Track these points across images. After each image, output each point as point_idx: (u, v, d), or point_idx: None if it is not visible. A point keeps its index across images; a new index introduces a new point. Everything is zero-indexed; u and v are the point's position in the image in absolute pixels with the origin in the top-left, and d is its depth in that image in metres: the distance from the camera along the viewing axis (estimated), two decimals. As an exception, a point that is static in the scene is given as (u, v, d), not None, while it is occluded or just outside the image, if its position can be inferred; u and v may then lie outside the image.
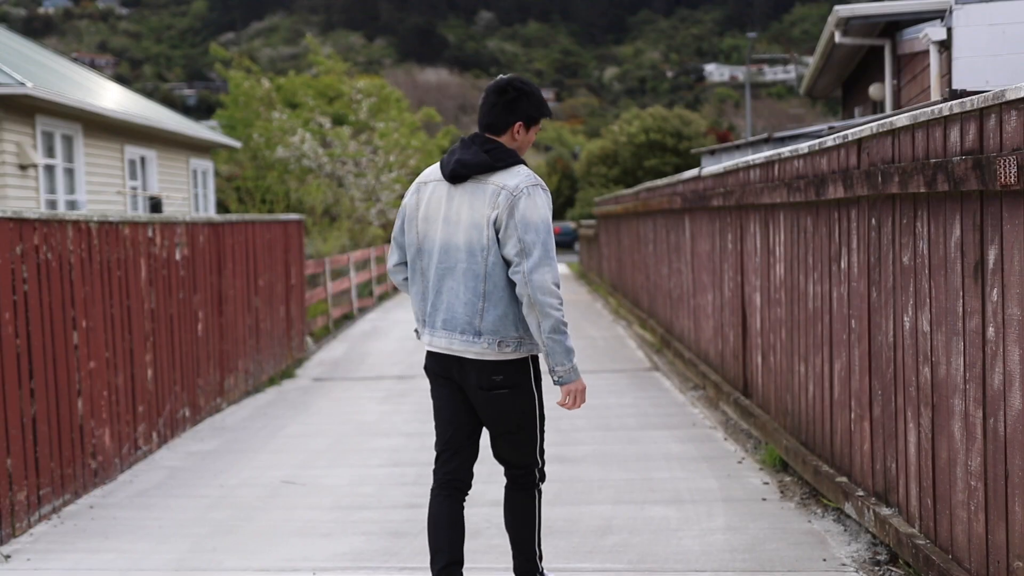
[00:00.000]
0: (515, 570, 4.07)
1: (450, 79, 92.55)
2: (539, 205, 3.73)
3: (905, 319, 4.24)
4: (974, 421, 3.65)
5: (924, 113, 3.90)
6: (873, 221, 4.59)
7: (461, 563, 3.92)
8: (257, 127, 25.71)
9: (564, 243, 41.85)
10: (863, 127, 4.61)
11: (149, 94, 57.89)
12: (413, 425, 7.90)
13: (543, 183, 3.83)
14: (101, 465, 6.34)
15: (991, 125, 3.41)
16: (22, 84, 12.89)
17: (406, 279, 4.03)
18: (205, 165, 21.81)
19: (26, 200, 13.68)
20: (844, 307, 5.02)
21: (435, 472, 4.05)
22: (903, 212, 4.24)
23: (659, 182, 11.93)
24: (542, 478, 4.07)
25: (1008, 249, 3.36)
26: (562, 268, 29.54)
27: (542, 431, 4.01)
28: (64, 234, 6.00)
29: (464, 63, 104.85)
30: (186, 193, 20.25)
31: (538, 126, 3.93)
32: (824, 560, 4.50)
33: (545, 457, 4.07)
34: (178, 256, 7.89)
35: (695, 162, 31.36)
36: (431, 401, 4.09)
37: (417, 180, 4.01)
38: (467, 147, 3.83)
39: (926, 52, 10.68)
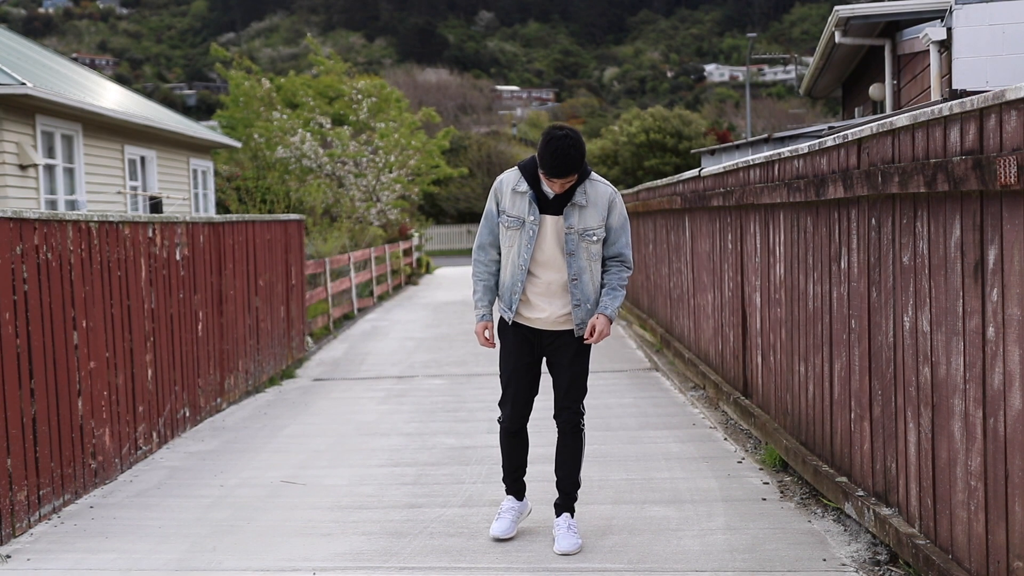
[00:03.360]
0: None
1: (450, 79, 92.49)
2: None
3: (905, 319, 4.24)
4: (974, 421, 3.65)
5: (924, 113, 3.90)
6: (873, 221, 4.59)
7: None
8: (257, 127, 25.72)
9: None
10: (863, 127, 4.61)
11: (149, 94, 57.93)
12: (413, 425, 7.90)
13: (500, 178, 4.81)
14: (101, 465, 6.34)
15: (991, 125, 3.41)
16: (22, 84, 12.89)
17: None
18: (205, 165, 21.82)
19: (26, 200, 13.69)
20: (844, 307, 5.02)
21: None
22: (903, 212, 4.24)
23: (659, 182, 11.94)
24: (500, 418, 4.98)
25: (1008, 249, 3.36)
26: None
27: (500, 372, 4.96)
28: (64, 234, 6.00)
29: (464, 63, 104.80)
30: (186, 193, 20.26)
31: (540, 168, 4.62)
32: (824, 560, 4.50)
33: (501, 406, 4.95)
34: (178, 256, 7.89)
35: (695, 162, 31.36)
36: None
37: None
38: None
39: (926, 52, 10.69)
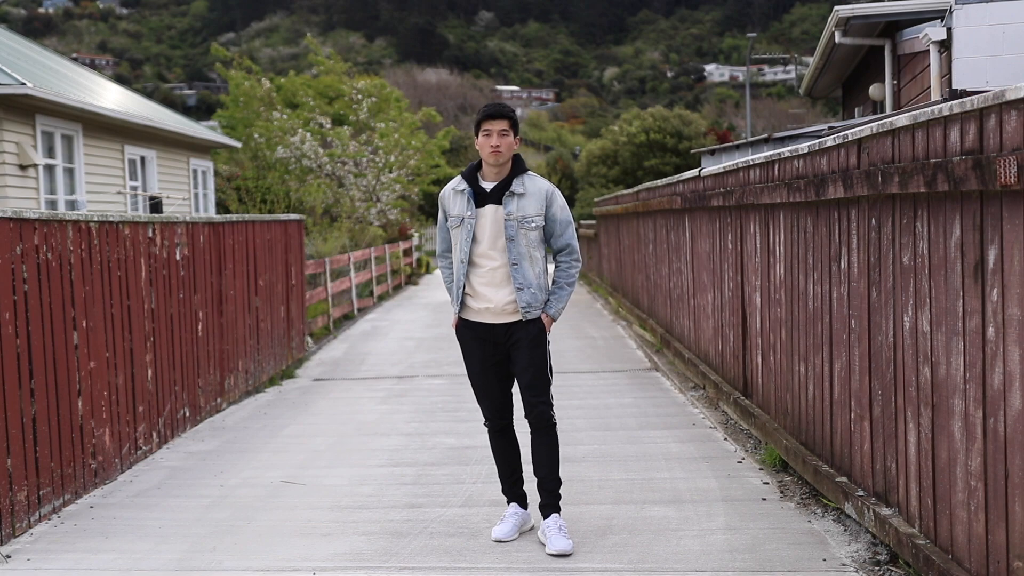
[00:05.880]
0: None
1: (450, 79, 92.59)
2: None
3: (905, 319, 4.24)
4: (974, 421, 3.65)
5: (924, 113, 3.90)
6: (873, 221, 4.59)
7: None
8: (257, 127, 25.71)
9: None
10: (863, 127, 4.61)
11: (149, 94, 57.91)
12: (413, 425, 7.90)
13: (444, 187, 5.09)
14: (101, 465, 6.34)
15: (991, 125, 3.41)
16: (22, 84, 12.89)
17: None
18: (205, 165, 21.82)
19: (26, 200, 13.69)
20: (844, 307, 5.02)
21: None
22: (903, 212, 4.24)
23: (659, 182, 11.94)
24: (485, 421, 5.11)
25: (1008, 249, 3.36)
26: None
27: (469, 380, 5.12)
28: (64, 234, 6.00)
29: (464, 63, 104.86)
30: (186, 193, 20.25)
31: (477, 137, 4.92)
32: (824, 560, 4.50)
33: (480, 407, 5.09)
34: (178, 256, 7.89)
35: (695, 162, 31.36)
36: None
37: None
38: None
39: (926, 52, 10.69)
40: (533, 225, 4.89)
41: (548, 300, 4.98)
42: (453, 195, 4.98)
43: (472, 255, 4.89)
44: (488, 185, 4.93)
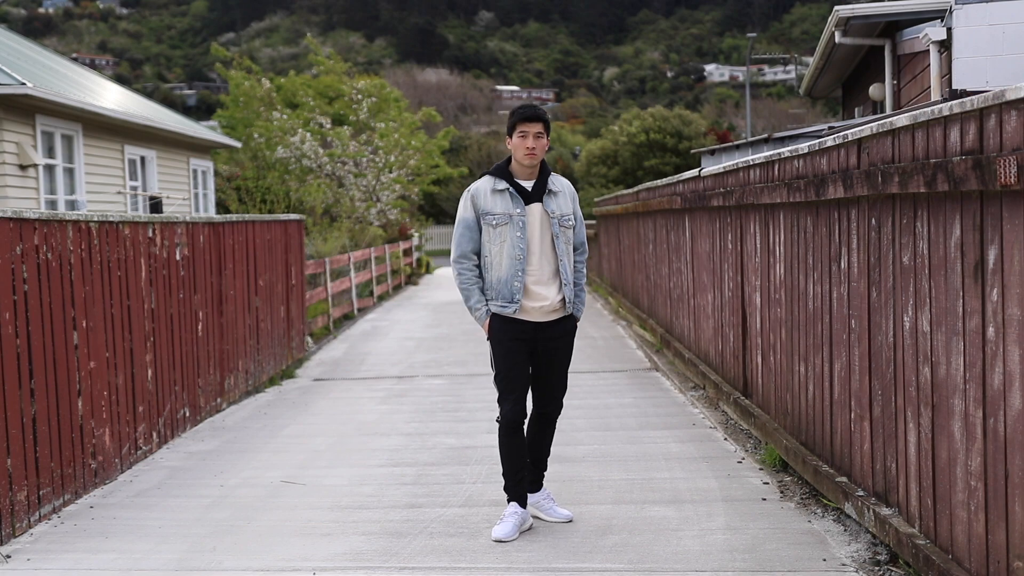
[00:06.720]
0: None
1: (450, 79, 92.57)
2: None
3: (905, 319, 4.24)
4: (974, 421, 3.65)
5: (924, 113, 3.90)
6: (873, 221, 4.59)
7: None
8: (257, 127, 25.71)
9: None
10: (863, 127, 4.61)
11: (149, 94, 57.90)
12: (413, 425, 7.90)
13: (472, 187, 5.06)
14: (101, 465, 6.34)
15: (991, 125, 3.41)
16: (22, 84, 12.89)
17: None
18: (205, 165, 21.81)
19: (26, 200, 13.69)
20: (844, 307, 5.03)
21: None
22: (903, 212, 4.24)
23: (659, 182, 11.94)
24: (499, 416, 5.03)
25: (1008, 249, 3.36)
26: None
27: (495, 373, 5.07)
28: (64, 234, 6.00)
29: (464, 63, 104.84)
30: (186, 193, 20.25)
31: (510, 138, 5.02)
32: (824, 560, 4.50)
33: (501, 403, 5.01)
34: (178, 256, 7.89)
35: (695, 162, 31.36)
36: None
37: None
38: None
39: (926, 52, 10.69)
40: (570, 223, 5.09)
41: (574, 303, 5.12)
42: (492, 194, 5.03)
43: (526, 253, 4.98)
44: (527, 184, 5.04)
